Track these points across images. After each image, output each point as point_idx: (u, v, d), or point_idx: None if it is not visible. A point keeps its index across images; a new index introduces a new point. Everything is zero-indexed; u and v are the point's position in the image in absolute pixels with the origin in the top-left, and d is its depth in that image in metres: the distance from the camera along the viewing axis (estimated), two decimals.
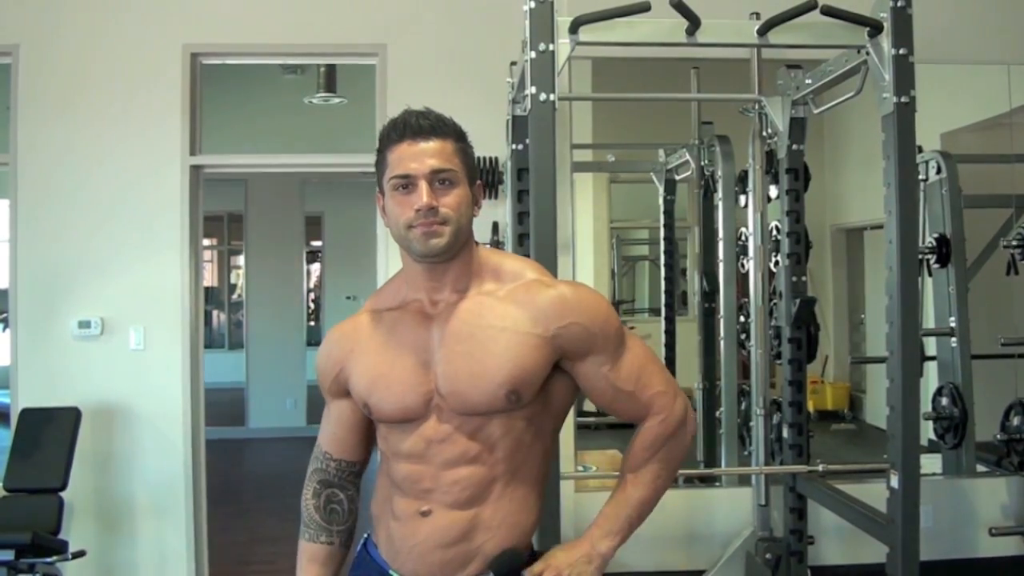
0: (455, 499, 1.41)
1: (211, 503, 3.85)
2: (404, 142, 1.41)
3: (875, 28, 2.44)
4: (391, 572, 1.47)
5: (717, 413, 3.91)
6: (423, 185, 1.39)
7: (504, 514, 1.43)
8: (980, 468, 3.85)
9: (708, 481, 3.89)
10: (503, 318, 1.41)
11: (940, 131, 4.07)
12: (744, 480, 3.61)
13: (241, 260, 8.53)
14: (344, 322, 1.58)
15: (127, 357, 3.67)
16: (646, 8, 2.35)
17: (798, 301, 3.28)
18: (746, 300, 3.61)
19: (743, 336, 3.74)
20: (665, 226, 4.32)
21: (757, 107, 3.41)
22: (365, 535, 1.57)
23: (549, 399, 1.46)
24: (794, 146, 3.29)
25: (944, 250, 3.87)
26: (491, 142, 3.43)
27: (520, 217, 3.00)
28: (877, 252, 2.87)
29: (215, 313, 9.72)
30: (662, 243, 4.34)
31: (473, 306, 1.44)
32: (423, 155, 1.39)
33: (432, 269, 1.45)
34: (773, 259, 3.52)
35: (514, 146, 3.10)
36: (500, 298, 1.44)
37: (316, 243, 9.22)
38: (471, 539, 1.42)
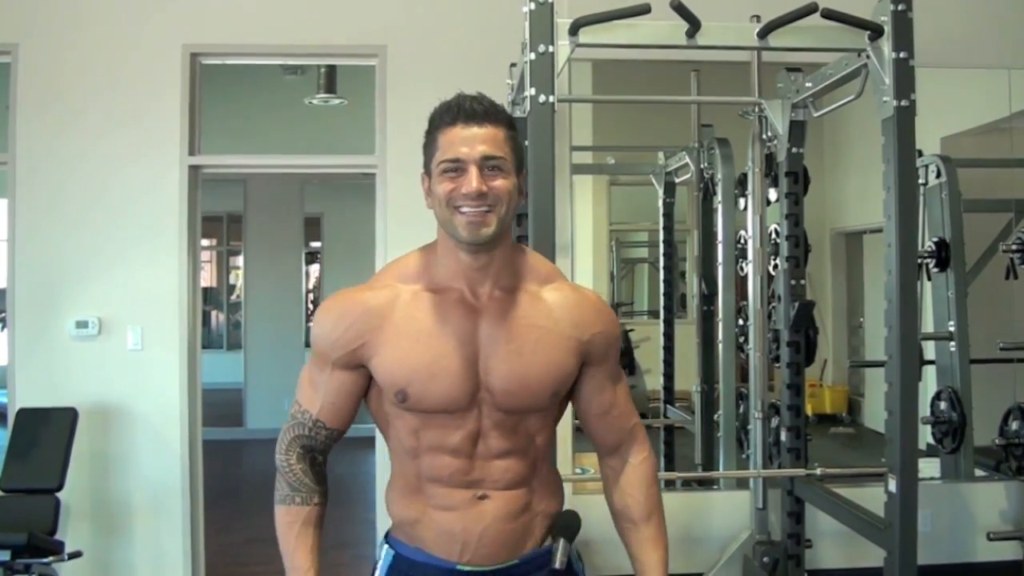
0: (508, 482, 1.46)
1: (208, 504, 3.84)
2: (457, 125, 1.38)
3: (876, 32, 2.44)
4: (459, 567, 1.45)
5: (715, 416, 3.92)
6: (473, 170, 1.37)
7: (547, 488, 1.53)
8: (978, 472, 3.85)
9: (706, 484, 3.89)
10: (547, 319, 1.46)
11: (940, 135, 4.07)
12: (742, 483, 3.61)
13: (240, 261, 8.50)
14: (365, 292, 1.46)
15: (125, 357, 3.66)
16: (646, 10, 2.36)
17: (797, 304, 3.28)
18: (745, 303, 3.61)
19: (742, 339, 3.74)
20: (664, 229, 4.33)
21: (757, 110, 3.41)
22: (388, 548, 1.52)
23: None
24: (794, 149, 3.29)
25: (943, 254, 3.87)
26: None
27: (519, 219, 3.00)
28: (876, 256, 2.87)
29: (213, 313, 9.69)
30: (661, 246, 4.35)
31: (521, 304, 1.46)
32: (475, 140, 1.38)
33: (475, 258, 1.42)
34: (772, 262, 3.52)
35: None
36: (544, 299, 1.48)
37: (315, 244, 9.19)
38: (531, 508, 1.50)
